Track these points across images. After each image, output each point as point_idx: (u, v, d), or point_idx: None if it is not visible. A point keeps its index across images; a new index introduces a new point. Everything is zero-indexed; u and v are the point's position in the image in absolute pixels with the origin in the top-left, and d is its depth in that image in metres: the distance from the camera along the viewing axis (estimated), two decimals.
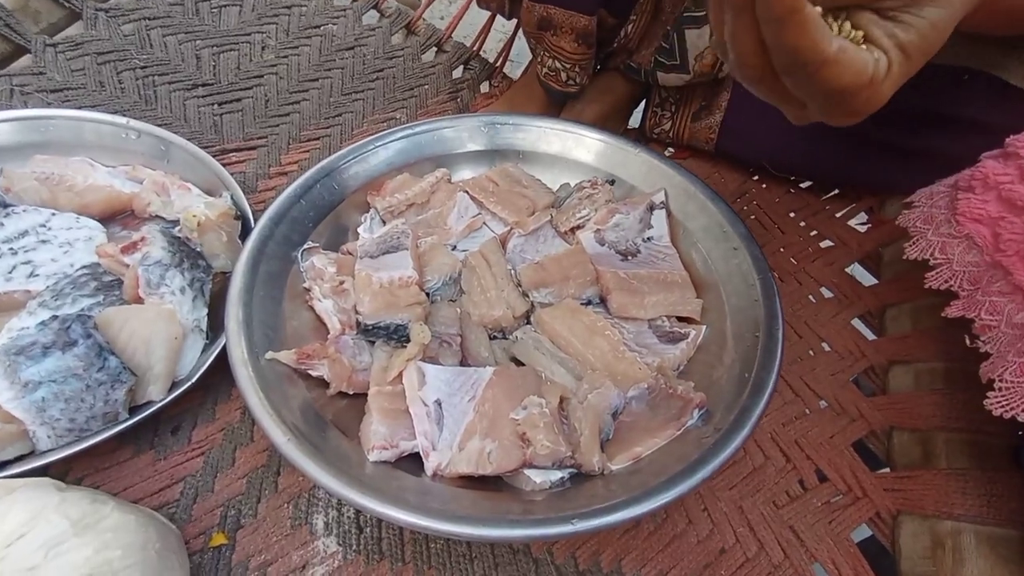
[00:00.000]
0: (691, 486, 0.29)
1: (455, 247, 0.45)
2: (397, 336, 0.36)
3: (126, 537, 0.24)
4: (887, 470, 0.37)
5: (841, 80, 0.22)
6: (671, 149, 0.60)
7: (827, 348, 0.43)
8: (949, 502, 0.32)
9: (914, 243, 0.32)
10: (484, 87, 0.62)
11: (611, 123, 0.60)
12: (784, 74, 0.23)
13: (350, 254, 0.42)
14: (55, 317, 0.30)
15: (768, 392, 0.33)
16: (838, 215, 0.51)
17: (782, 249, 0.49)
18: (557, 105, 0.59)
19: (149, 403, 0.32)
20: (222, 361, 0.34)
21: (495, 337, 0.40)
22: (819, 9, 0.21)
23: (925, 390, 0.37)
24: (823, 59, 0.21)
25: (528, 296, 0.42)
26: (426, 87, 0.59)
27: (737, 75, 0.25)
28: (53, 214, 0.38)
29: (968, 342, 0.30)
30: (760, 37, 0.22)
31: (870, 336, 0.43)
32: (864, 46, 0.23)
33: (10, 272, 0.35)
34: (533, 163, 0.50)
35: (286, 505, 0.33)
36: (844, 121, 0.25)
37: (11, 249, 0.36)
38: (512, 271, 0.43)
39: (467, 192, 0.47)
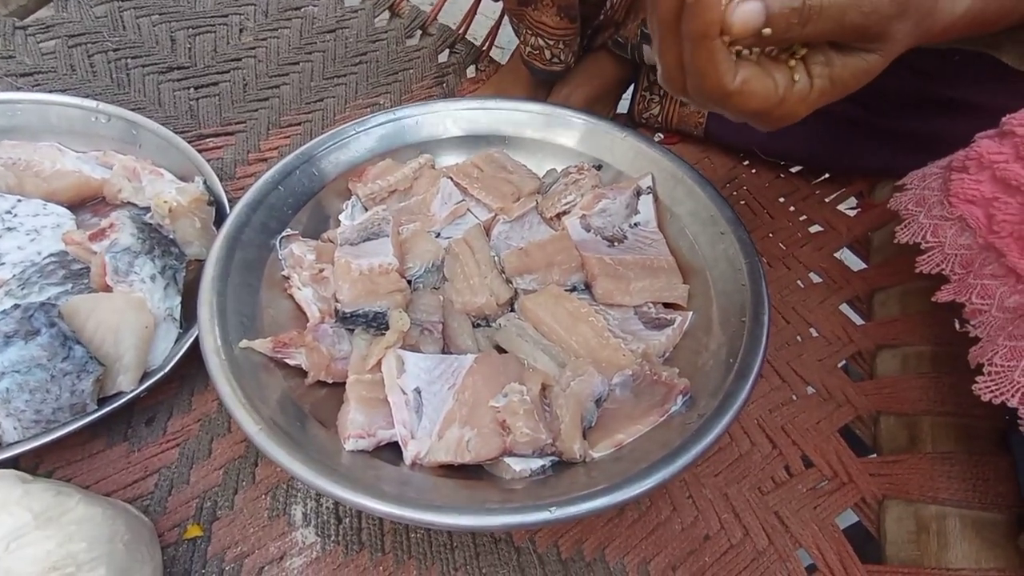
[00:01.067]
0: (673, 472, 0.28)
1: (439, 234, 0.44)
2: (376, 324, 0.36)
3: (92, 530, 0.24)
4: (874, 456, 0.36)
5: (747, 107, 0.23)
6: (660, 135, 0.59)
7: (815, 334, 0.42)
8: (934, 486, 0.32)
9: (905, 226, 0.32)
10: (470, 71, 0.61)
11: (599, 107, 0.59)
12: (694, 96, 0.24)
13: (330, 242, 0.42)
14: (17, 306, 0.29)
15: (753, 377, 0.33)
16: (828, 200, 0.50)
17: (771, 234, 0.49)
18: (544, 88, 0.58)
19: (120, 394, 0.31)
20: (198, 351, 0.33)
21: (478, 325, 0.40)
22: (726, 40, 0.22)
23: (912, 374, 0.37)
24: (725, 92, 0.22)
25: (512, 283, 0.41)
26: (411, 71, 0.58)
27: (666, 87, 0.25)
28: (19, 200, 0.37)
29: (958, 326, 0.29)
30: (681, 55, 0.23)
31: (858, 321, 0.43)
32: (792, 63, 0.24)
33: None
34: (518, 148, 0.49)
35: (263, 496, 0.33)
36: (764, 129, 0.26)
37: None
38: (496, 258, 0.42)
39: (451, 178, 0.46)
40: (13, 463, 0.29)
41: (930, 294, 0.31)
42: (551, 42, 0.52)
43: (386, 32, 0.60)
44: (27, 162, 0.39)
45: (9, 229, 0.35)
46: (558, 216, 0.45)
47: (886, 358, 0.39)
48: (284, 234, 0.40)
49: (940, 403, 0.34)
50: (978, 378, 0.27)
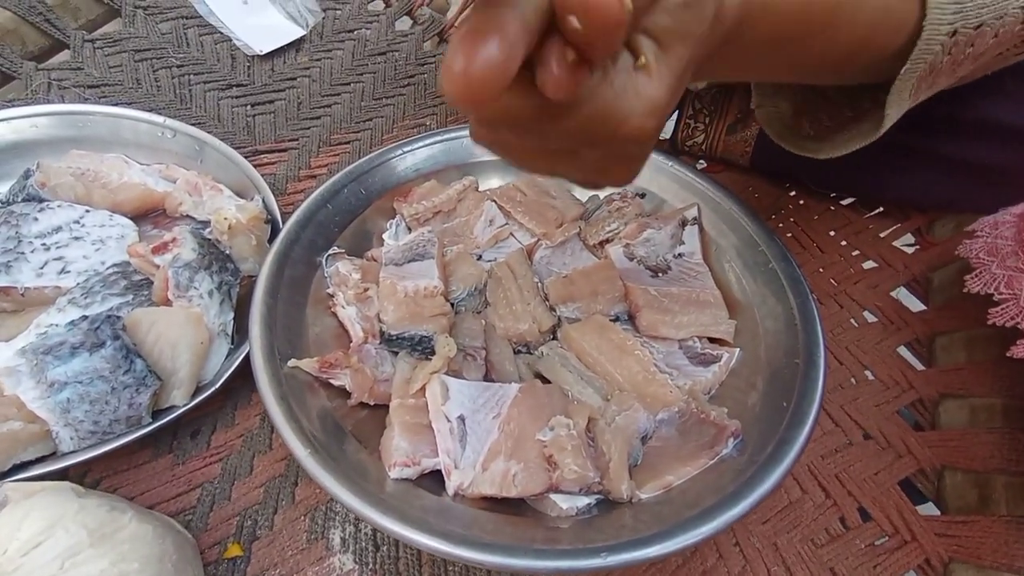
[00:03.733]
0: (728, 521, 0.27)
1: (480, 256, 0.44)
2: (421, 348, 0.36)
3: (143, 549, 0.24)
4: (936, 512, 0.34)
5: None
6: (703, 162, 0.58)
7: (870, 376, 0.40)
8: (1010, 552, 0.29)
9: (977, 275, 0.30)
10: None
11: None
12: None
13: (374, 260, 0.42)
14: (85, 317, 0.30)
15: (810, 423, 0.31)
16: (883, 235, 0.49)
17: (821, 269, 0.47)
18: None
19: (172, 408, 0.32)
20: (244, 366, 0.33)
21: (519, 351, 0.39)
22: None
23: (982, 428, 0.34)
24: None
25: (555, 310, 0.40)
26: None
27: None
28: (87, 211, 0.38)
29: None
30: None
31: (918, 366, 0.41)
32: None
33: (41, 267, 0.35)
34: None
35: (302, 518, 0.32)
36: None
37: (44, 244, 0.36)
38: (539, 284, 0.42)
39: (494, 201, 0.46)
40: (62, 473, 0.29)
41: (1002, 343, 0.30)
42: None
43: (434, 56, 0.61)
44: (95, 173, 0.40)
45: (76, 238, 0.36)
46: (601, 244, 0.45)
47: (951, 408, 0.37)
48: (330, 252, 0.40)
49: (1016, 462, 0.32)
50: None
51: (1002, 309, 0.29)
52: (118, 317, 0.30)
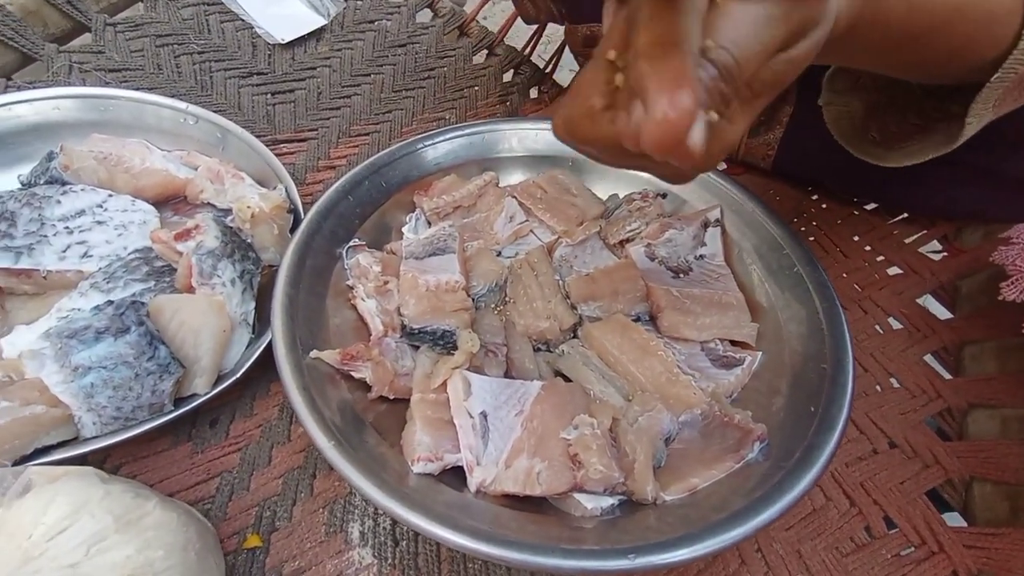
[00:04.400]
0: (758, 526, 0.27)
1: (500, 253, 0.44)
2: (443, 342, 0.35)
3: (168, 536, 0.23)
4: (963, 524, 0.34)
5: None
6: (724, 164, 0.57)
7: (896, 384, 0.40)
8: None
9: (1012, 283, 0.30)
10: (533, 92, 0.61)
11: None
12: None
13: (394, 253, 0.41)
14: (110, 302, 0.29)
15: (840, 429, 0.31)
16: (908, 241, 0.48)
17: (845, 274, 0.46)
18: None
19: (193, 396, 0.31)
20: (264, 356, 0.33)
21: (539, 349, 0.39)
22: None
23: (1015, 439, 0.34)
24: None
25: (576, 309, 0.40)
26: (476, 89, 0.58)
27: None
28: (110, 195, 0.38)
29: None
30: None
31: (945, 375, 0.40)
32: None
33: (64, 251, 0.35)
34: (583, 171, 0.48)
35: (321, 510, 0.32)
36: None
37: (67, 228, 0.36)
38: (560, 281, 0.41)
39: (515, 197, 0.45)
40: (83, 458, 0.29)
41: None
42: None
43: (454, 50, 0.61)
44: (118, 157, 0.40)
45: (99, 223, 0.36)
46: (621, 243, 0.44)
47: (980, 418, 0.36)
48: (351, 244, 0.40)
49: None
50: None
51: None
52: (143, 303, 0.30)
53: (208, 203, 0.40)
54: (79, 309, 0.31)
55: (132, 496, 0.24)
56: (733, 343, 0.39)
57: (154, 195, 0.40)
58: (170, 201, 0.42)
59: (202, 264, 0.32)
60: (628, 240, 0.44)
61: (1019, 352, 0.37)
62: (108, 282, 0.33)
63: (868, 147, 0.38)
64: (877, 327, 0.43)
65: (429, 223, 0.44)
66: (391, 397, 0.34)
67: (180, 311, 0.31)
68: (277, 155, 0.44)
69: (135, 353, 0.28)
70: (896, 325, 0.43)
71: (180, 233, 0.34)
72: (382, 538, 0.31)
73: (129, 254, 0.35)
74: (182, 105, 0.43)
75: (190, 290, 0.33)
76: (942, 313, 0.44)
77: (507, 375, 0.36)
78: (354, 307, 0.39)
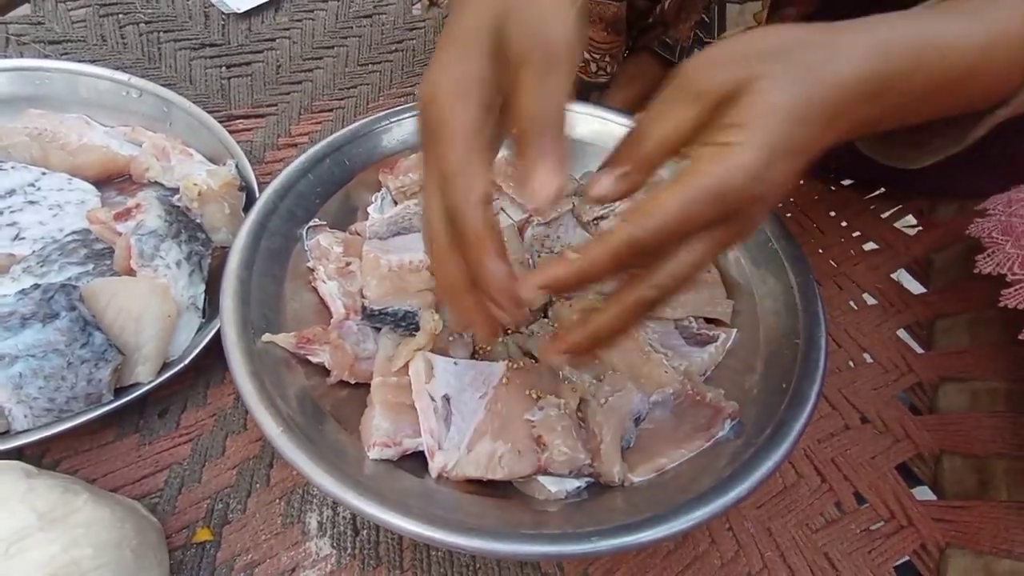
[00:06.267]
0: (725, 505, 0.26)
1: None
2: (405, 323, 0.34)
3: (99, 533, 0.22)
4: (932, 497, 0.34)
5: None
6: None
7: (869, 359, 0.39)
8: (1009, 538, 0.29)
9: (989, 255, 0.29)
10: None
11: (639, 111, 0.56)
12: None
13: (358, 234, 0.40)
14: (37, 286, 0.27)
15: (811, 405, 0.30)
16: (884, 216, 0.47)
17: (821, 250, 0.46)
18: (582, 96, 0.56)
19: (136, 385, 0.30)
20: (217, 342, 0.31)
21: (508, 331, 0.38)
22: None
23: (984, 412, 0.34)
24: None
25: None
26: None
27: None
28: (44, 173, 0.35)
29: None
30: None
31: (918, 349, 0.40)
32: None
33: None
34: None
35: (278, 501, 0.31)
36: None
37: None
38: (530, 261, 0.40)
39: None
40: (16, 452, 0.27)
41: (1005, 325, 0.29)
42: (597, 56, 0.50)
43: (423, 21, 0.58)
44: (53, 133, 0.37)
45: (32, 203, 0.34)
46: (595, 220, 0.43)
47: (951, 392, 0.36)
48: (311, 224, 0.38)
49: (1019, 447, 0.31)
50: None
51: (1015, 290, 0.27)
52: (74, 287, 0.28)
53: (155, 182, 0.38)
54: (7, 295, 0.29)
55: (60, 492, 0.23)
56: (708, 321, 0.38)
57: (94, 173, 0.38)
58: (114, 180, 0.39)
59: (143, 245, 0.30)
60: (602, 217, 0.43)
61: (990, 325, 0.37)
62: (42, 266, 0.31)
63: (892, 149, 0.35)
64: (852, 303, 0.42)
65: (395, 202, 0.42)
66: (352, 382, 0.33)
67: (117, 295, 0.29)
68: (232, 132, 0.41)
69: (67, 340, 0.26)
70: (871, 301, 0.42)
71: (120, 213, 0.32)
72: (342, 527, 0.30)
73: (66, 236, 0.33)
74: (123, 77, 0.40)
75: (130, 273, 0.31)
76: (916, 287, 0.44)
77: (474, 357, 0.35)
78: (315, 290, 0.37)
